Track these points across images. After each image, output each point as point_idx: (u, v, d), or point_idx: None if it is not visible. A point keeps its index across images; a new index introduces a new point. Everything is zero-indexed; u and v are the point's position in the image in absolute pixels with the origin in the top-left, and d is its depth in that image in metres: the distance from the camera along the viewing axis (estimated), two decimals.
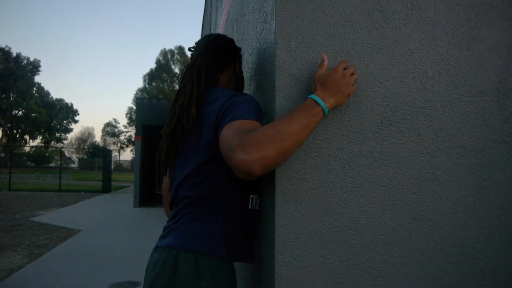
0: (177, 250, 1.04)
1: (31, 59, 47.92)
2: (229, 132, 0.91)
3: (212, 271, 1.02)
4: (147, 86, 45.12)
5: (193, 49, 1.29)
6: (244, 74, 1.67)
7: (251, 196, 1.13)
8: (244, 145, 0.82)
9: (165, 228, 1.14)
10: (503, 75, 1.11)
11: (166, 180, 1.32)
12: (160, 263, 1.05)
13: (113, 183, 19.62)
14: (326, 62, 1.00)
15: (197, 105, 1.10)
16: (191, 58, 1.27)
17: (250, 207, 1.13)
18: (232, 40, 1.32)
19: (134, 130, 16.87)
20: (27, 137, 49.80)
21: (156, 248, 1.11)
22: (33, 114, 46.23)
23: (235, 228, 1.08)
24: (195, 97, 1.11)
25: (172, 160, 1.15)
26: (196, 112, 1.09)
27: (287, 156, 0.88)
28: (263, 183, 1.16)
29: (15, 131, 47.94)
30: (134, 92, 51.50)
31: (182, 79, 1.20)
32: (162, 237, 1.12)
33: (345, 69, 0.99)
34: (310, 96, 0.94)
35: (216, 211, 1.06)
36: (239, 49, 1.34)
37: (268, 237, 1.08)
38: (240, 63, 1.35)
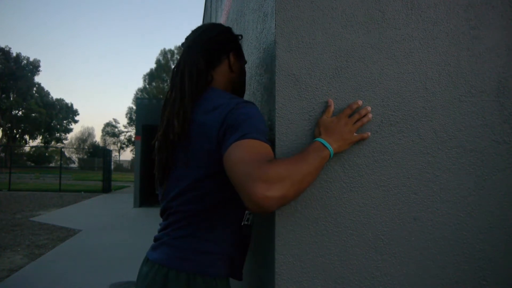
0: (167, 268, 0.98)
1: (31, 59, 48.08)
2: (243, 154, 0.82)
3: None
4: (147, 86, 45.17)
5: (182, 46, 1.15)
6: None
7: (247, 212, 1.07)
8: (268, 179, 0.75)
9: (156, 239, 1.07)
10: (503, 75, 1.11)
11: None
12: (149, 278, 1.00)
13: (113, 183, 19.61)
14: (332, 108, 1.02)
15: (180, 118, 0.99)
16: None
17: (243, 223, 1.07)
18: (225, 30, 1.17)
19: (134, 130, 16.87)
20: (27, 137, 49.86)
21: (147, 260, 1.06)
22: (33, 114, 46.30)
23: (230, 246, 1.04)
24: (176, 109, 1.01)
25: (167, 173, 1.06)
26: (180, 126, 0.99)
27: (296, 197, 0.87)
28: None
29: (15, 131, 47.96)
30: (134, 92, 51.69)
31: (170, 83, 1.08)
32: (153, 249, 1.06)
33: (350, 115, 1.01)
34: (317, 139, 0.95)
35: (212, 229, 1.00)
36: (235, 37, 1.18)
37: (268, 237, 1.08)
38: (239, 54, 1.18)
